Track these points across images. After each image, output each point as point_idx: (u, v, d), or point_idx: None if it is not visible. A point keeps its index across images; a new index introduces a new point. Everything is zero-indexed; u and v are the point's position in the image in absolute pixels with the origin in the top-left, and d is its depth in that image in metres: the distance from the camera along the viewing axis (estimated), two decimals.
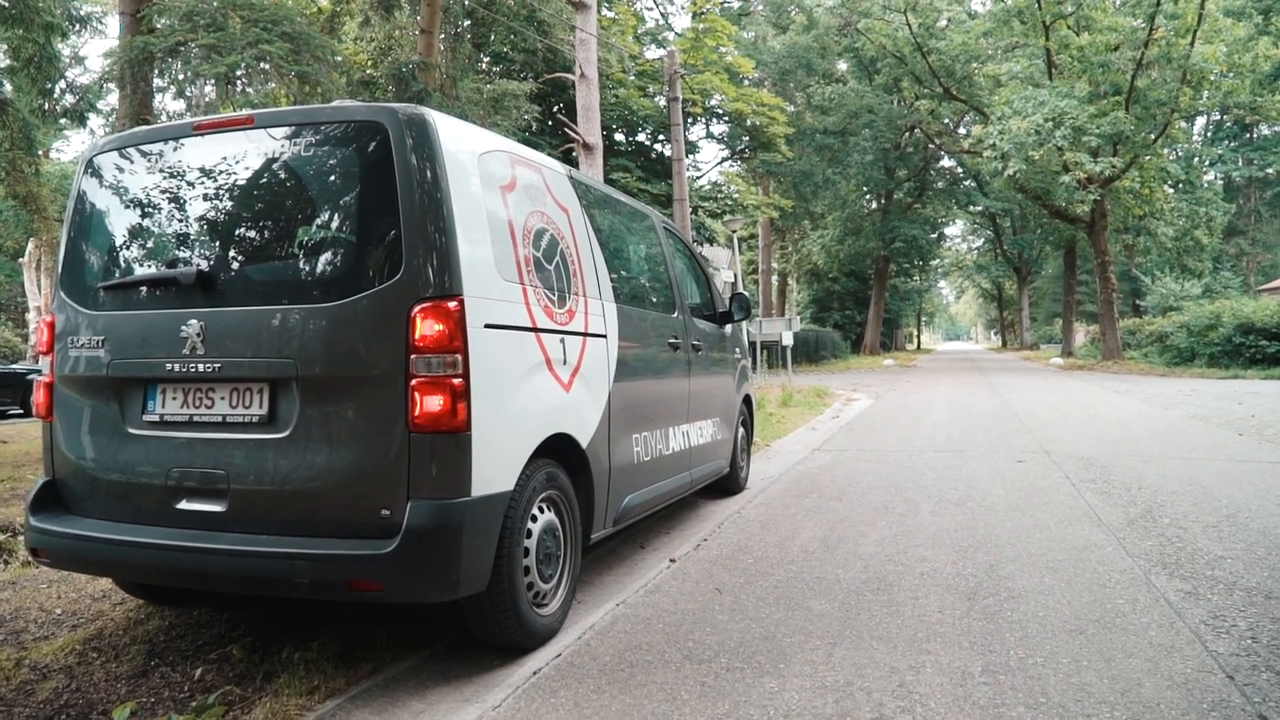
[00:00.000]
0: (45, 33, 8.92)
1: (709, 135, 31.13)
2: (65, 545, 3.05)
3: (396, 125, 2.86)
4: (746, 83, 29.21)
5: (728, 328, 5.99)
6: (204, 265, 3.00)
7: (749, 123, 26.14)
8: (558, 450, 3.37)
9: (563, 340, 3.45)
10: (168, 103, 14.93)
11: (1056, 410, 11.92)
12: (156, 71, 8.41)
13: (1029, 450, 7.90)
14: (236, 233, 3.09)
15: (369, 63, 14.04)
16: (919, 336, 75.03)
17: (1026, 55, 26.24)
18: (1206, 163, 38.76)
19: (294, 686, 2.75)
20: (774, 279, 45.13)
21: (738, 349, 6.31)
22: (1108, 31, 23.61)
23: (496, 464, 2.92)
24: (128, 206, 3.28)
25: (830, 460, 7.66)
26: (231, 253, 3.06)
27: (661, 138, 25.64)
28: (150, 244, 3.24)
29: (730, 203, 27.19)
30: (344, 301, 2.79)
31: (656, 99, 24.00)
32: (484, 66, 22.06)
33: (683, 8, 33.80)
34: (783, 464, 7.49)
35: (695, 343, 5.12)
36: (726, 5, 36.49)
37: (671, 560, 4.29)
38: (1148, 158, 24.60)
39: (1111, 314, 26.74)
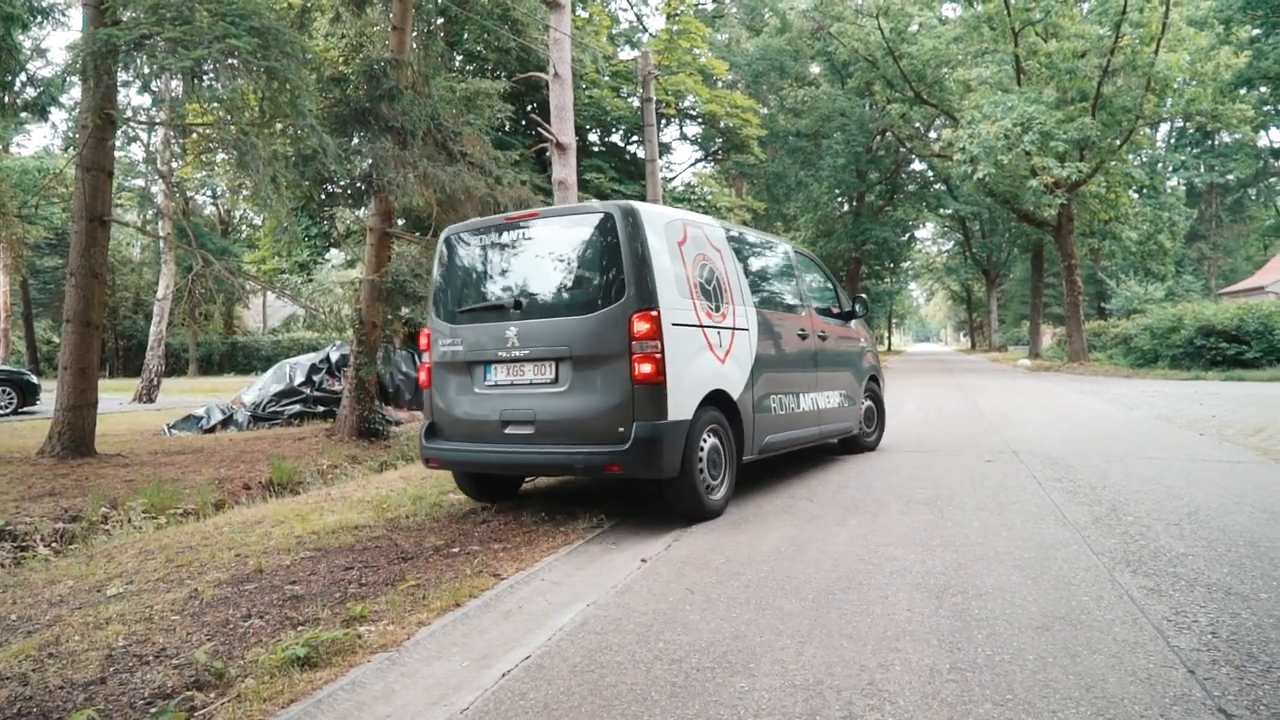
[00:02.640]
0: (5, 24, 8.72)
1: (683, 136, 31.18)
2: (443, 455, 5.44)
3: (619, 212, 5.04)
4: (720, 85, 29.31)
5: (852, 323, 7.90)
6: (516, 297, 5.28)
7: (722, 124, 26.23)
8: (718, 400, 5.37)
9: (719, 332, 5.50)
10: (133, 97, 14.66)
11: (1024, 411, 12.08)
12: (121, 65, 8.24)
13: (997, 450, 7.99)
14: (532, 278, 5.33)
15: (340, 59, 13.87)
16: (890, 338, 75.70)
17: (996, 61, 26.55)
18: (1170, 169, 39.46)
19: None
20: None
21: (863, 339, 8.23)
22: (1075, 39, 23.97)
23: (680, 404, 4.94)
24: (469, 264, 5.66)
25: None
26: (531, 289, 5.30)
27: (635, 139, 25.64)
28: (485, 285, 5.56)
29: (704, 204, 27.25)
30: (594, 314, 4.95)
31: (630, 100, 24.00)
32: (457, 65, 21.92)
33: (657, 9, 33.79)
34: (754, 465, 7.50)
35: (821, 334, 7.10)
36: (701, 7, 36.58)
37: (643, 560, 4.28)
38: (1113, 163, 25.00)
39: (1077, 316, 27.15)
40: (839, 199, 39.78)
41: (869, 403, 8.19)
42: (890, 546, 4.40)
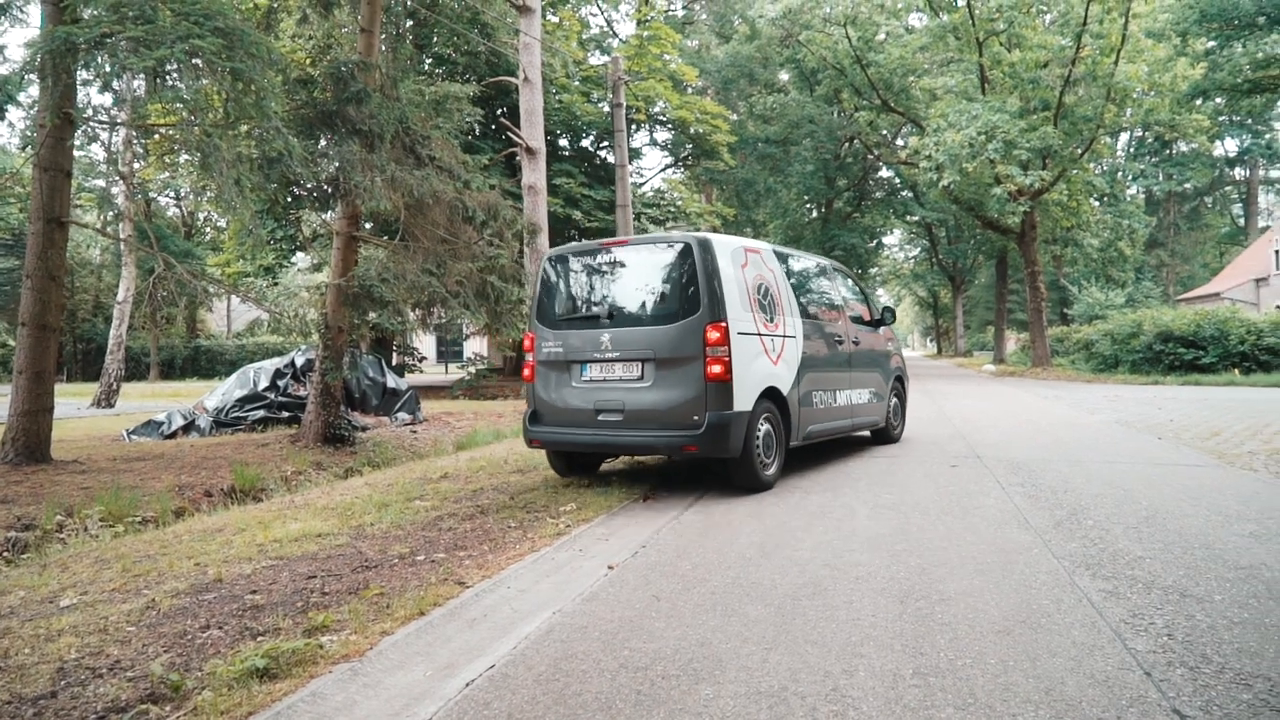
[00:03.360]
0: None
1: (652, 142, 31.26)
2: (544, 436, 6.53)
3: (695, 242, 6.18)
4: (690, 91, 29.43)
5: (881, 329, 9.00)
6: (610, 309, 6.41)
7: (692, 130, 26.32)
8: (771, 395, 6.49)
9: (772, 339, 6.61)
10: (94, 96, 14.37)
11: (988, 415, 12.24)
12: (81, 64, 8.08)
13: (962, 454, 8.08)
14: (622, 293, 6.47)
15: (307, 61, 13.73)
16: None
17: (961, 70, 26.97)
18: (1129, 177, 40.33)
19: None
20: None
21: (890, 344, 9.25)
22: (1037, 49, 24.42)
23: (743, 398, 6.04)
24: (567, 281, 6.75)
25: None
26: (621, 302, 6.43)
27: (605, 144, 25.65)
28: (583, 298, 6.67)
29: (673, 210, 27.32)
30: (674, 324, 6.06)
31: (600, 105, 24.01)
32: (426, 68, 21.79)
33: (627, 15, 33.87)
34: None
35: (855, 340, 8.21)
36: (671, 14, 36.73)
37: (610, 567, 4.26)
38: (1075, 171, 25.50)
39: (1041, 322, 27.60)
40: (808, 205, 40.12)
41: (895, 400, 9.27)
42: (856, 552, 4.43)
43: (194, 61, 7.61)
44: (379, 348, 21.36)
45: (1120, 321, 24.13)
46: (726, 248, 6.40)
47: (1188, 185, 44.75)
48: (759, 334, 6.42)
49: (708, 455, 5.94)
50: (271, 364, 14.08)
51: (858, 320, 8.51)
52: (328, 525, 5.43)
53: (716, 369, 5.89)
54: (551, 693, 2.74)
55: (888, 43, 29.97)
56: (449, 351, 45.85)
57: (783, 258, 7.36)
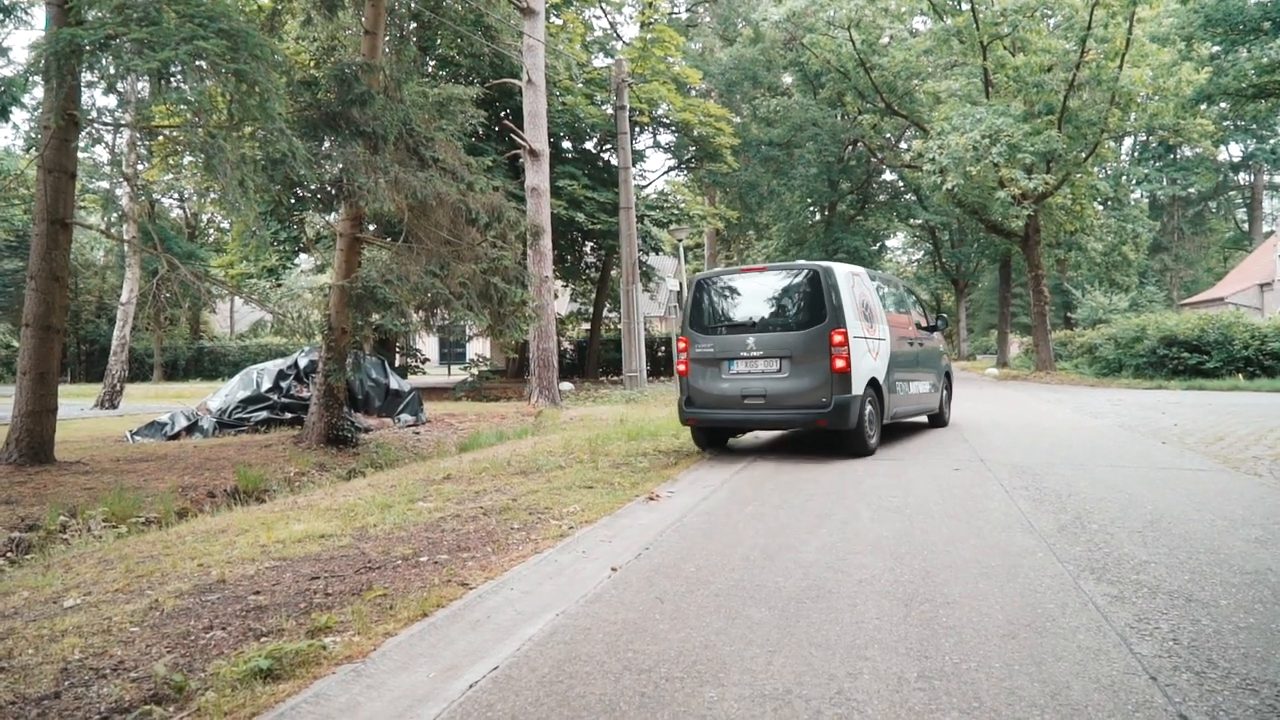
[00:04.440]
0: None
1: (656, 144, 31.29)
2: (699, 415, 8.41)
3: (820, 268, 8.11)
4: (693, 93, 29.45)
5: (935, 334, 10.92)
6: (753, 318, 8.33)
7: (695, 133, 26.33)
8: (873, 384, 8.33)
9: (872, 342, 8.47)
10: (98, 97, 14.40)
11: (992, 419, 12.21)
12: (85, 65, 8.09)
13: (965, 458, 8.07)
14: (763, 307, 8.37)
15: (311, 63, 13.74)
16: None
17: (965, 74, 26.95)
18: (1133, 181, 40.24)
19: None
20: None
21: (940, 344, 11.25)
22: (1042, 53, 24.38)
23: (857, 385, 7.84)
24: (715, 297, 8.64)
25: (773, 468, 7.71)
26: (762, 313, 8.34)
27: (608, 146, 25.66)
28: (730, 310, 8.53)
29: (676, 212, 27.33)
30: (806, 330, 7.98)
31: (604, 107, 24.02)
32: (430, 70, 21.81)
33: (631, 17, 33.88)
34: (726, 472, 7.52)
35: (921, 342, 10.29)
36: (674, 16, 36.77)
37: (613, 569, 4.26)
38: (1079, 175, 25.44)
39: (1044, 326, 27.54)
40: (811, 208, 40.06)
41: (945, 391, 11.31)
42: (860, 554, 4.42)
43: (198, 63, 7.62)
44: (382, 349, 21.37)
45: (1124, 326, 24.06)
46: (841, 272, 8.31)
47: (1192, 190, 44.71)
48: (865, 338, 8.33)
49: (833, 428, 7.94)
50: (275, 365, 14.09)
51: (920, 327, 10.49)
52: (331, 526, 5.43)
53: (840, 363, 7.86)
54: (555, 694, 2.74)
55: (892, 46, 29.96)
56: (452, 353, 45.87)
57: (874, 278, 9.42)
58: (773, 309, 8.39)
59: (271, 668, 2.94)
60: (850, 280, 8.43)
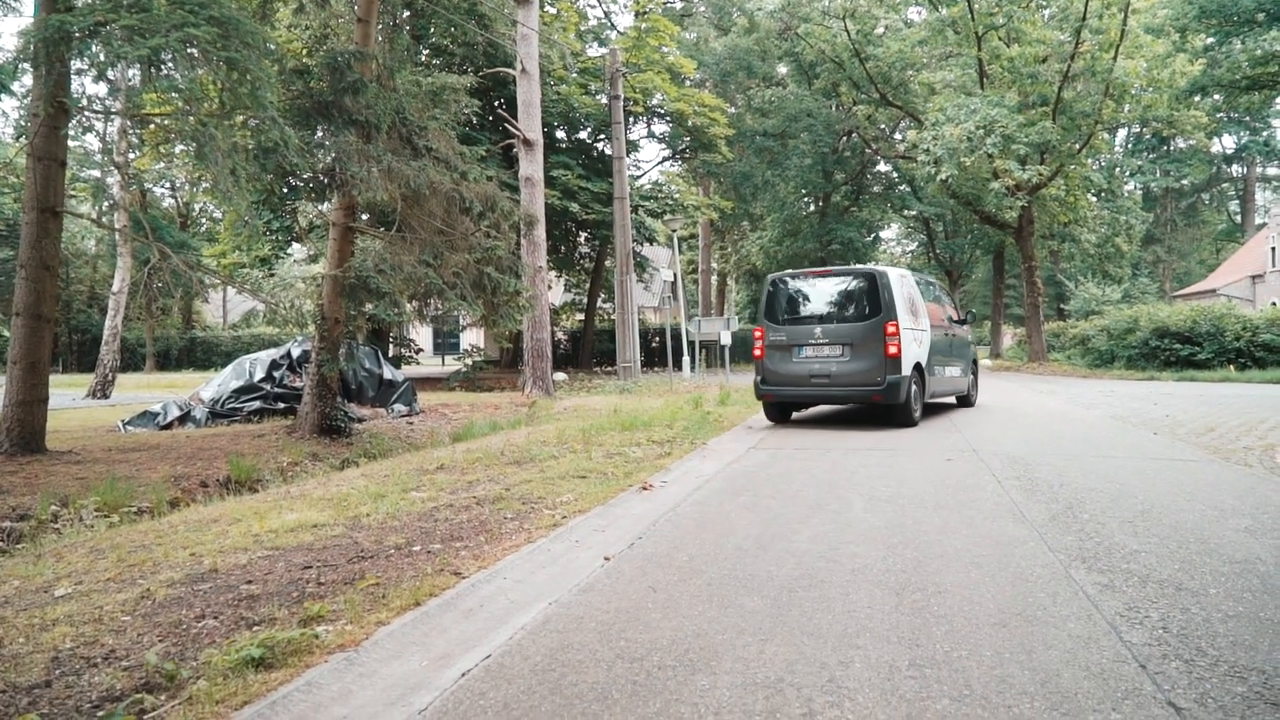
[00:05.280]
0: None
1: (650, 134, 31.19)
2: (773, 392, 10.33)
3: (876, 272, 10.03)
4: (688, 83, 29.35)
5: (964, 326, 12.65)
6: (819, 312, 10.21)
7: (690, 123, 26.27)
8: (917, 368, 10.11)
9: (917, 332, 10.15)
10: (88, 85, 14.29)
11: (985, 409, 12.26)
12: (75, 52, 8.02)
13: (958, 448, 8.09)
14: (828, 302, 10.24)
15: (304, 51, 13.65)
16: None
17: (960, 64, 26.93)
18: (1127, 173, 40.32)
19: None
20: (713, 279, 45.44)
21: (969, 335, 12.86)
22: (1036, 44, 24.38)
23: (905, 367, 9.64)
24: (787, 295, 10.54)
25: (766, 458, 7.73)
26: (827, 308, 10.19)
27: (602, 136, 25.59)
28: (800, 305, 10.42)
29: (671, 202, 27.27)
30: (864, 321, 9.78)
31: (598, 97, 23.94)
32: (423, 59, 21.70)
33: (625, 6, 33.74)
34: (719, 462, 7.53)
35: (953, 333, 11.79)
36: (669, 6, 36.62)
37: (606, 558, 4.26)
38: (1072, 167, 25.49)
39: (1037, 317, 27.62)
40: (805, 199, 40.02)
41: (972, 376, 12.95)
42: (852, 544, 4.44)
43: (189, 51, 7.56)
44: (375, 339, 21.32)
45: (1117, 317, 24.15)
46: (893, 274, 10.15)
47: (1185, 182, 44.74)
48: (912, 329, 10.02)
49: (886, 402, 9.66)
50: (268, 355, 14.04)
51: (952, 320, 12.18)
52: (324, 516, 5.42)
53: (893, 349, 9.58)
54: (547, 683, 2.74)
55: (886, 36, 29.92)
56: (446, 343, 45.76)
57: (918, 279, 11.13)
58: (836, 304, 10.18)
59: (263, 656, 2.94)
60: (900, 281, 10.20)
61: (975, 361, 13.24)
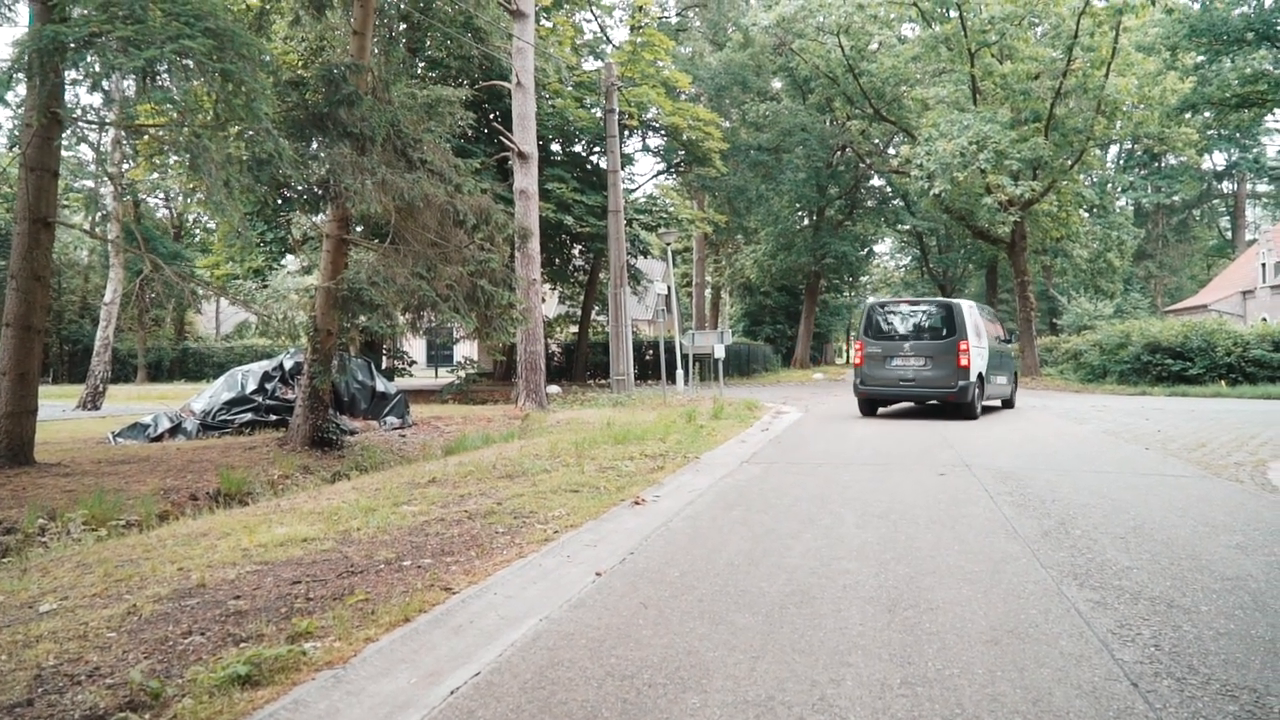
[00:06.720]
0: None
1: (645, 148, 31.27)
2: (869, 392, 13.86)
3: (953, 304, 13.80)
4: (683, 97, 29.46)
5: (1010, 343, 16.08)
6: (909, 331, 13.67)
7: (685, 137, 26.34)
8: (979, 376, 13.45)
9: (979, 349, 13.43)
10: (82, 95, 14.29)
11: (976, 424, 12.27)
12: (69, 63, 8.01)
13: (950, 464, 8.09)
14: (914, 324, 13.76)
15: (299, 63, 13.68)
16: (848, 351, 76.48)
17: (953, 80, 27.10)
18: (1119, 189, 40.55)
19: None
20: (707, 292, 45.55)
21: (1013, 351, 16.67)
22: (1029, 61, 24.57)
23: (972, 375, 13.02)
24: (883, 318, 14.14)
25: (759, 472, 7.72)
26: (913, 329, 13.71)
27: (597, 149, 25.65)
28: (893, 325, 13.93)
29: (665, 216, 27.32)
30: (942, 340, 13.18)
31: (593, 110, 24.00)
32: (419, 71, 21.74)
33: (621, 21, 33.92)
34: (712, 476, 7.52)
35: (1003, 349, 15.41)
36: (664, 20, 36.82)
37: (598, 573, 4.24)
38: (1065, 182, 25.64)
39: (1030, 332, 27.71)
40: (799, 213, 40.17)
41: (1014, 385, 16.12)
42: (844, 560, 4.42)
43: (184, 62, 7.56)
44: (368, 351, 21.26)
45: (1108, 332, 24.25)
46: (965, 305, 13.57)
47: (1176, 198, 45.10)
48: (975, 346, 12.96)
49: (956, 400, 12.84)
50: (260, 367, 13.99)
51: (1000, 339, 15.17)
52: (313, 530, 5.38)
53: (963, 361, 12.74)
54: (537, 701, 2.72)
55: (880, 52, 30.10)
56: (439, 355, 45.67)
57: (981, 309, 14.51)
58: (920, 325, 13.48)
59: (250, 674, 2.91)
60: (969, 310, 13.58)
61: (1016, 373, 16.99)
